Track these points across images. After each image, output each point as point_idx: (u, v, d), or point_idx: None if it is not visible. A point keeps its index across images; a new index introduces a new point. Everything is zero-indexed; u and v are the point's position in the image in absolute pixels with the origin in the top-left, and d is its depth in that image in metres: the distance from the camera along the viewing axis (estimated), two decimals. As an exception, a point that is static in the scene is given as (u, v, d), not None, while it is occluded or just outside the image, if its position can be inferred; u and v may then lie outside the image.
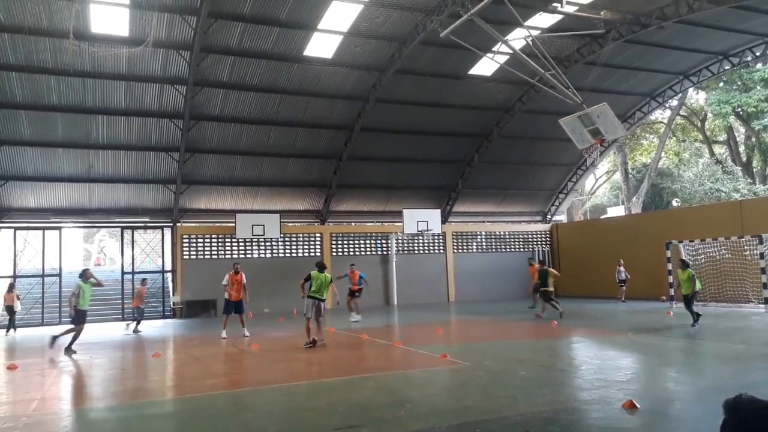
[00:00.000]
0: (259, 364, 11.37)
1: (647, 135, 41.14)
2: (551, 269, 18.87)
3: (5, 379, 10.68)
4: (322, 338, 12.97)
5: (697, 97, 40.41)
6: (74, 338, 13.81)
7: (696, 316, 14.23)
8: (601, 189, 49.04)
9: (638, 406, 6.68)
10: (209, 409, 7.72)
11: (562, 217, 33.01)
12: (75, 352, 13.40)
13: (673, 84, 26.00)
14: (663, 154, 39.44)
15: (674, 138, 40.73)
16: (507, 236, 29.73)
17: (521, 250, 29.60)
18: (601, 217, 40.77)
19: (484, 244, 29.43)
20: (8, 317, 18.94)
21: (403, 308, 24.06)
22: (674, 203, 39.96)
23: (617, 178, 43.61)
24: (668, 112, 37.19)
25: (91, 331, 18.76)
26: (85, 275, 14.35)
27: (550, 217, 31.06)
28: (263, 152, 23.18)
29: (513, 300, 25.45)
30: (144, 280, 19.93)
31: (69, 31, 15.61)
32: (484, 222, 29.66)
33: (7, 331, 18.56)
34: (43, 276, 22.32)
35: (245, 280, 15.63)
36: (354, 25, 18.64)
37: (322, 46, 19.51)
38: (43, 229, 22.48)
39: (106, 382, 10.34)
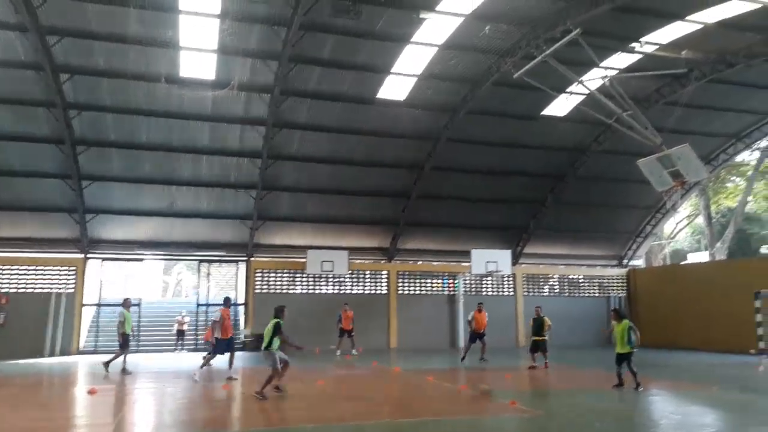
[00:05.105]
0: (325, 401, 11.36)
1: (733, 177, 39.02)
2: (546, 318, 17.80)
3: (86, 402, 11.18)
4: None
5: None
6: (125, 360, 15.30)
7: (622, 380, 12.22)
8: (681, 234, 46.67)
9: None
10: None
11: (639, 262, 31.60)
12: (130, 373, 14.84)
13: (762, 124, 24.73)
14: (751, 197, 37.23)
15: (764, 181, 38.43)
16: (581, 280, 28.77)
17: (596, 295, 28.52)
18: (682, 263, 38.71)
19: (556, 287, 28.57)
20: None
21: (470, 351, 23.47)
22: (763, 250, 37.43)
23: (699, 222, 41.43)
24: (757, 153, 35.18)
25: (165, 360, 19.43)
26: (125, 303, 15.80)
27: (627, 261, 29.82)
28: (336, 190, 23.64)
29: (587, 348, 24.37)
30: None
31: (161, 76, 16.78)
32: (556, 265, 28.82)
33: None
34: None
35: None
36: (428, 68, 18.95)
37: (395, 88, 19.93)
38: (128, 260, 23.71)
39: (176, 410, 10.61)
